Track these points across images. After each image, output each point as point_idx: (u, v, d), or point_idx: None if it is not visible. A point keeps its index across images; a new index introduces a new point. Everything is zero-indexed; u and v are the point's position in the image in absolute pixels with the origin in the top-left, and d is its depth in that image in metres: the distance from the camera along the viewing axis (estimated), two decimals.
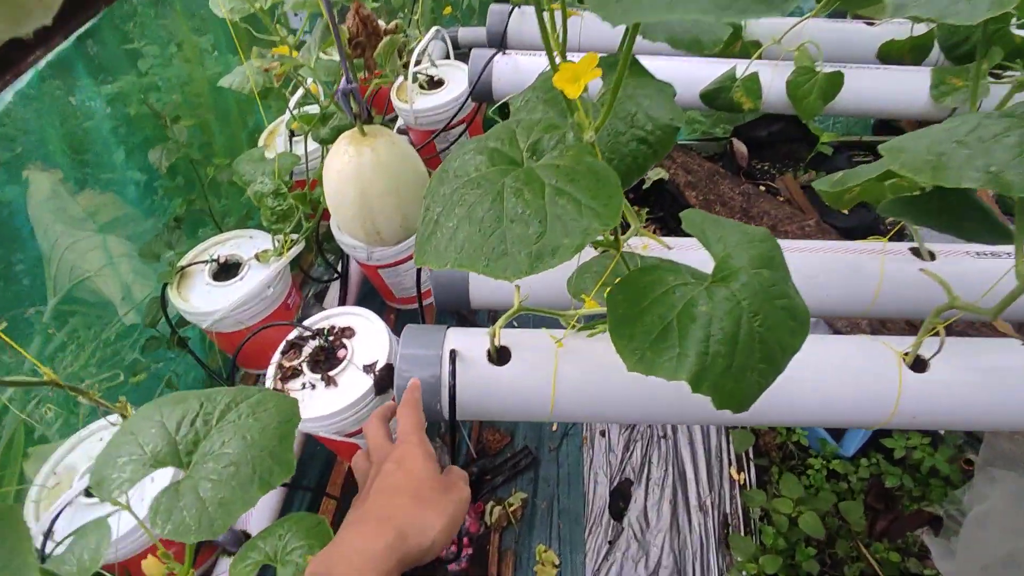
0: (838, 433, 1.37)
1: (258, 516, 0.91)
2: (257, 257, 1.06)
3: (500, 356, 0.56)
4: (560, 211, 0.33)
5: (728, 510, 1.23)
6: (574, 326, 0.53)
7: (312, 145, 1.15)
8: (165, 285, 1.04)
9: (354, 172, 0.57)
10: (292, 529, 0.67)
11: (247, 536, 0.87)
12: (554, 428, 1.35)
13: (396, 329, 0.91)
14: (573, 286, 0.60)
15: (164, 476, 0.68)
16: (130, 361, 1.17)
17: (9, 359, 1.03)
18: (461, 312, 1.47)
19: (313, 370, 0.87)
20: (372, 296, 1.37)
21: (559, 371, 0.55)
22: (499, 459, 1.27)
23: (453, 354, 0.55)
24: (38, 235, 1.10)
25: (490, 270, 0.32)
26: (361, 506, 0.43)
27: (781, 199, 1.72)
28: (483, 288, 0.67)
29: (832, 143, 1.82)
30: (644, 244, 0.67)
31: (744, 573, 1.13)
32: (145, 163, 1.16)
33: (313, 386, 0.86)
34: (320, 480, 1.08)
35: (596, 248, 0.61)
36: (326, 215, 1.28)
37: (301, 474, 1.08)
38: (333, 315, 0.94)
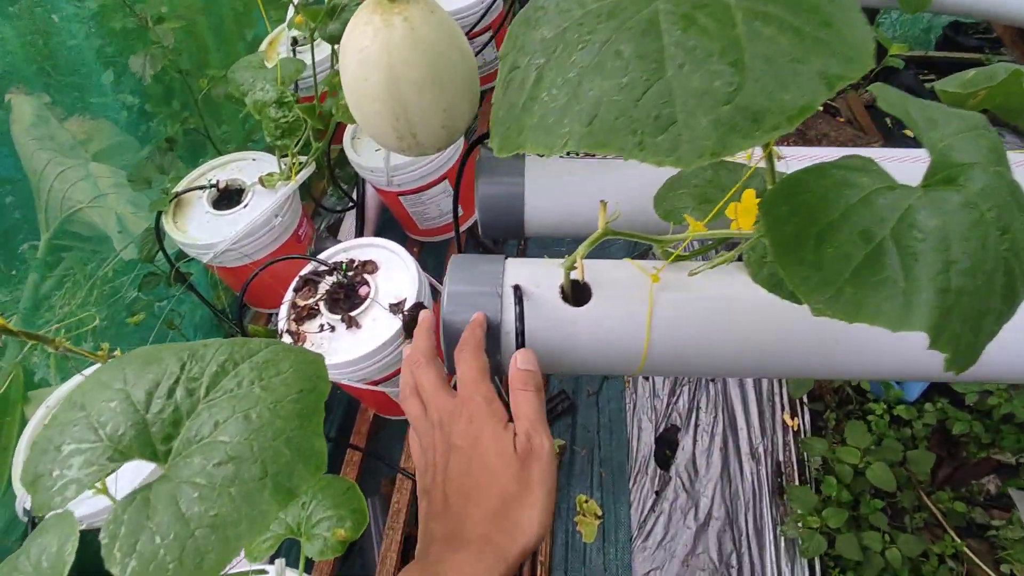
0: None
1: None
2: (262, 182, 0.92)
3: (576, 294, 0.44)
4: (766, 47, 0.19)
5: (781, 458, 1.14)
6: (678, 256, 0.40)
7: (321, 53, 1.00)
8: (159, 214, 0.91)
9: (381, 50, 0.42)
10: (318, 496, 0.57)
11: None
12: None
13: (421, 264, 0.79)
14: (664, 204, 0.47)
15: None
16: (131, 299, 1.09)
17: (3, 297, 0.97)
18: (485, 244, 1.33)
19: (332, 310, 0.76)
20: (391, 227, 1.24)
21: (655, 313, 0.42)
22: None
23: (518, 291, 0.42)
24: (24, 164, 1.01)
25: (646, 151, 0.19)
26: (441, 507, 0.38)
27: (841, 120, 1.54)
28: (545, 207, 0.53)
29: (901, 56, 1.61)
30: (746, 154, 0.53)
31: (801, 525, 1.04)
32: (138, 85, 1.03)
33: (332, 328, 0.75)
34: (342, 429, 0.99)
35: None
36: (338, 137, 1.13)
37: None
38: (352, 247, 0.82)
